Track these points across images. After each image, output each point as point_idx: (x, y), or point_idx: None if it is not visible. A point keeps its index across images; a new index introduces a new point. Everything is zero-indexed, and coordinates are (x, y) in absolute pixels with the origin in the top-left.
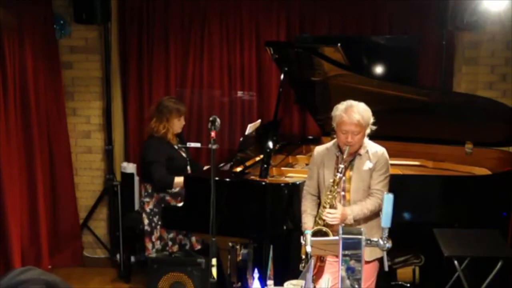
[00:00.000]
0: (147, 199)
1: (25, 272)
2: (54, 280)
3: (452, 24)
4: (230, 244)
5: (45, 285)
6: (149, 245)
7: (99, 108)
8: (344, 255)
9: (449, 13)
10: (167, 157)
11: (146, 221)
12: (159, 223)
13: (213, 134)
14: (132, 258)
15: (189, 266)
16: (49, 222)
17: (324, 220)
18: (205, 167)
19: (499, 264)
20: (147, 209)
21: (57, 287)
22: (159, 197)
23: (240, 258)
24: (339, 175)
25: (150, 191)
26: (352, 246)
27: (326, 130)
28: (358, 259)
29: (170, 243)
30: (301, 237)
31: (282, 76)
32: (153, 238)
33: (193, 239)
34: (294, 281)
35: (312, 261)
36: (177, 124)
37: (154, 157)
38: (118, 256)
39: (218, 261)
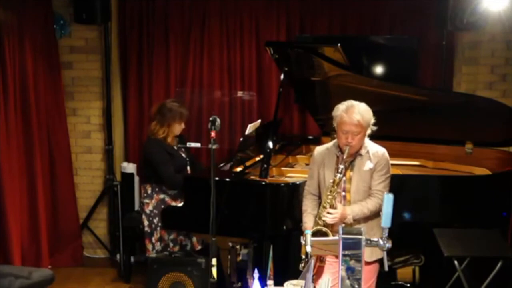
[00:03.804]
0: (146, 200)
1: None
2: None
3: (452, 24)
4: (230, 244)
5: None
6: (149, 246)
7: (99, 108)
8: (344, 255)
9: (449, 13)
10: (168, 157)
11: (146, 223)
12: (159, 224)
13: (213, 134)
14: (132, 258)
15: (189, 266)
16: (49, 222)
17: (324, 220)
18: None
19: (499, 264)
20: (147, 211)
21: None
22: (159, 199)
23: (240, 258)
24: (339, 175)
25: (149, 192)
26: (352, 246)
27: (326, 130)
28: (358, 259)
29: (171, 244)
30: (301, 237)
31: (282, 76)
32: (153, 240)
33: (194, 239)
34: (294, 281)
35: (312, 261)
36: (178, 128)
37: (160, 157)
38: (118, 256)
39: (218, 261)
